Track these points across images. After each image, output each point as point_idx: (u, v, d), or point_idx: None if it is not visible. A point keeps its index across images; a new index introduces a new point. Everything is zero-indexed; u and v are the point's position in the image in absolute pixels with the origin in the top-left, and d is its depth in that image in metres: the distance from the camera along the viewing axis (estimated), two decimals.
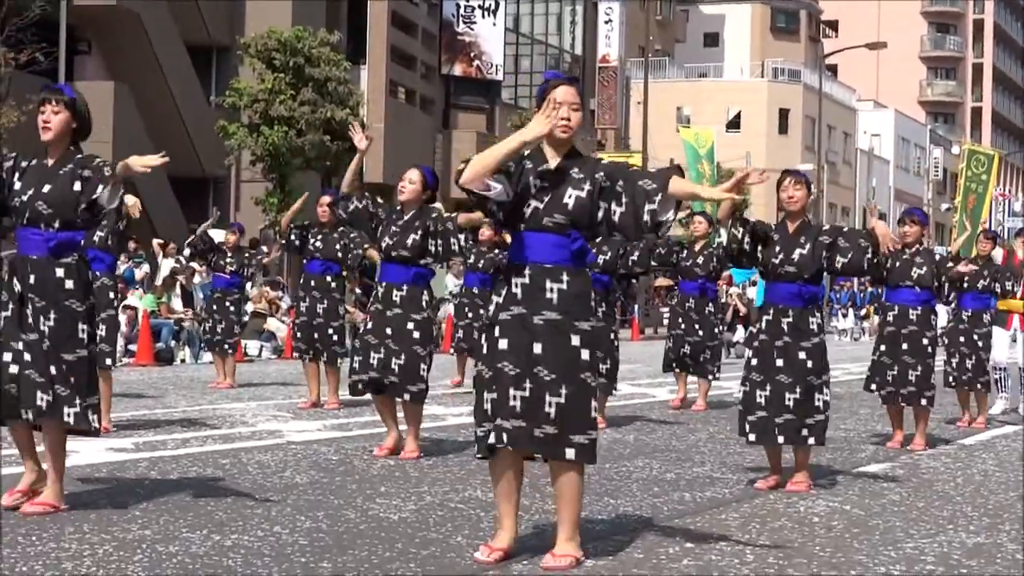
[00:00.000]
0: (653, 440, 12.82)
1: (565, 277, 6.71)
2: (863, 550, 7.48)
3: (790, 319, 9.64)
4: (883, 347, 12.74)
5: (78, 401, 7.86)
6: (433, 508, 8.45)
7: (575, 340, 6.68)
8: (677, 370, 16.50)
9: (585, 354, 6.69)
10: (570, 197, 6.70)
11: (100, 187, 7.89)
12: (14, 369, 7.78)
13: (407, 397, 10.81)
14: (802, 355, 9.60)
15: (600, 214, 6.73)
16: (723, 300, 30.48)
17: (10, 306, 7.90)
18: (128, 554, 6.83)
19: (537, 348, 6.66)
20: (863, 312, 54.32)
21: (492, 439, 6.73)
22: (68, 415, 7.87)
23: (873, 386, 12.87)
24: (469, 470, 10.20)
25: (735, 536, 7.77)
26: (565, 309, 6.68)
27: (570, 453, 6.63)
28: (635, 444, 12.44)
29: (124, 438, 11.88)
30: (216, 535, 7.37)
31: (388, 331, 10.82)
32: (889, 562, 7.18)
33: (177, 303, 27.21)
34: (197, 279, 27.60)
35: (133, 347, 24.28)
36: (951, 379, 15.23)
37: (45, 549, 6.89)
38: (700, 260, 16.12)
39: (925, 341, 12.53)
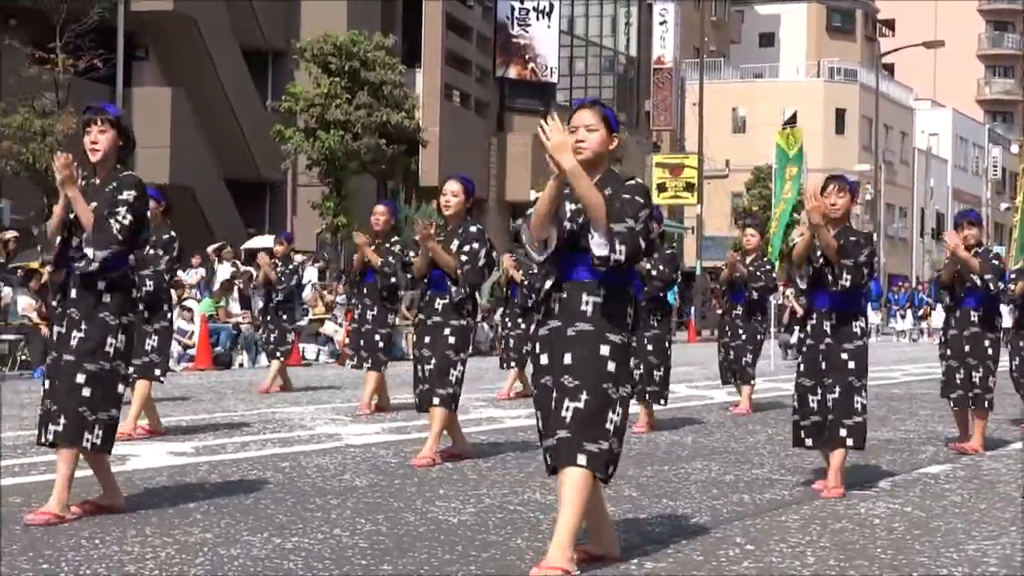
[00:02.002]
0: (711, 442, 12.79)
1: (602, 291, 6.69)
2: (924, 552, 7.44)
3: (833, 322, 9.62)
4: (948, 351, 12.67)
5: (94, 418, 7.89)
6: (492, 511, 8.46)
7: (604, 350, 6.65)
8: (732, 381, 16.48)
9: (611, 366, 6.65)
10: None
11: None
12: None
13: (436, 401, 10.75)
14: (844, 356, 9.57)
15: (640, 239, 6.67)
16: (779, 302, 30.39)
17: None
18: (190, 557, 6.87)
19: (567, 359, 6.66)
20: (920, 313, 54.01)
21: (548, 460, 6.77)
22: (87, 440, 7.91)
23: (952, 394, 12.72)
24: (528, 472, 10.20)
25: (795, 538, 7.74)
26: (598, 321, 6.66)
27: (581, 459, 6.55)
28: (693, 446, 12.41)
29: (184, 442, 11.95)
30: (277, 538, 7.40)
31: (427, 339, 10.83)
32: (951, 564, 7.13)
33: (235, 307, 27.35)
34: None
35: (192, 351, 24.42)
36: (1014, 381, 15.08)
37: (108, 552, 6.94)
38: (751, 269, 16.11)
39: (987, 343, 12.45)
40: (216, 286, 27.85)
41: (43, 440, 8.02)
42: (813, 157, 67.12)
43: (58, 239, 8.09)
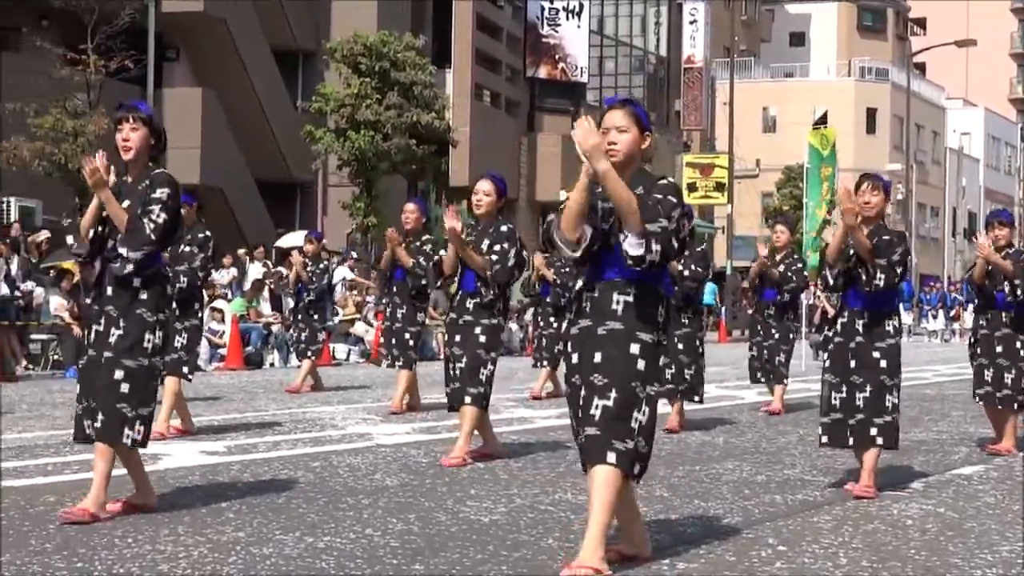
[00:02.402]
0: (742, 443, 12.77)
1: (632, 290, 6.69)
2: (958, 553, 7.42)
3: (865, 321, 9.59)
4: (978, 350, 12.63)
5: (134, 414, 7.92)
6: (523, 511, 8.46)
7: (634, 349, 6.65)
8: (762, 380, 16.43)
9: (641, 364, 6.65)
10: None
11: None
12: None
13: (467, 400, 10.75)
14: (876, 355, 9.54)
15: (674, 239, 6.66)
16: (811, 302, 30.31)
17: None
18: (223, 556, 6.89)
19: (597, 357, 6.67)
20: (952, 313, 53.83)
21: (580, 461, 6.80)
22: (127, 437, 7.94)
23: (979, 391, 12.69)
24: (559, 472, 10.20)
25: (828, 539, 7.73)
26: (628, 319, 6.66)
27: (611, 457, 6.56)
28: (724, 447, 12.39)
29: (216, 441, 11.98)
30: (309, 537, 7.42)
31: (457, 338, 10.84)
32: (985, 565, 7.11)
33: (266, 307, 27.41)
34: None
35: (223, 351, 24.49)
36: None
37: (141, 551, 6.97)
38: (781, 268, 16.04)
39: (1019, 344, 12.40)
40: (247, 286, 27.92)
41: (79, 436, 8.05)
42: (844, 157, 66.87)
43: (90, 233, 8.10)
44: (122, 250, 7.92)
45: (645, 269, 6.57)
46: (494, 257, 10.68)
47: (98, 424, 7.88)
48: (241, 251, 32.16)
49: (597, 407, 6.58)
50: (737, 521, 8.26)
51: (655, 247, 6.50)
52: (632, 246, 6.52)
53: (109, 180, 8.02)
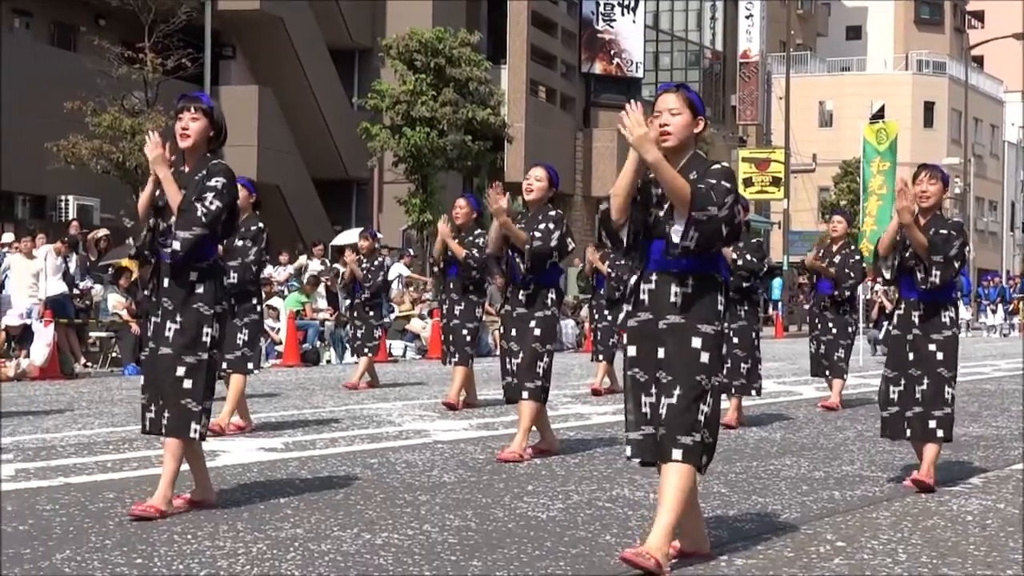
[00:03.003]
0: (800, 438, 12.72)
1: (690, 281, 6.68)
2: (1018, 549, 7.35)
3: (921, 312, 9.54)
4: None
5: (198, 408, 7.96)
6: (581, 507, 8.45)
7: (696, 342, 6.64)
8: (813, 373, 16.37)
9: (704, 357, 6.64)
10: None
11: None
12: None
13: (524, 395, 10.75)
14: (932, 347, 9.48)
15: (724, 226, 6.63)
16: (868, 296, 30.16)
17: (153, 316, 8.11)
18: (281, 552, 6.91)
19: (661, 352, 6.66)
20: (1011, 307, 53.46)
21: (627, 451, 6.81)
22: (194, 431, 7.99)
23: None
24: (616, 469, 10.18)
25: (886, 535, 7.68)
26: (688, 312, 6.65)
27: (676, 453, 6.56)
28: (782, 442, 12.34)
29: (274, 438, 12.03)
30: (367, 533, 7.43)
31: (513, 332, 10.84)
32: None
33: (322, 304, 27.49)
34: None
35: (279, 348, 24.59)
36: None
37: (200, 547, 7.00)
38: (837, 260, 15.93)
39: None
40: (305, 281, 28.01)
41: (147, 429, 8.10)
42: (901, 151, 66.32)
43: (147, 226, 8.14)
44: (175, 232, 7.95)
45: (698, 258, 6.57)
46: (536, 234, 10.69)
47: (165, 420, 7.93)
48: (299, 248, 32.29)
49: (664, 405, 6.58)
50: (795, 517, 8.22)
51: (692, 234, 6.50)
52: (675, 233, 6.53)
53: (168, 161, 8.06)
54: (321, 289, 27.87)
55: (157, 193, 8.12)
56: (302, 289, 26.99)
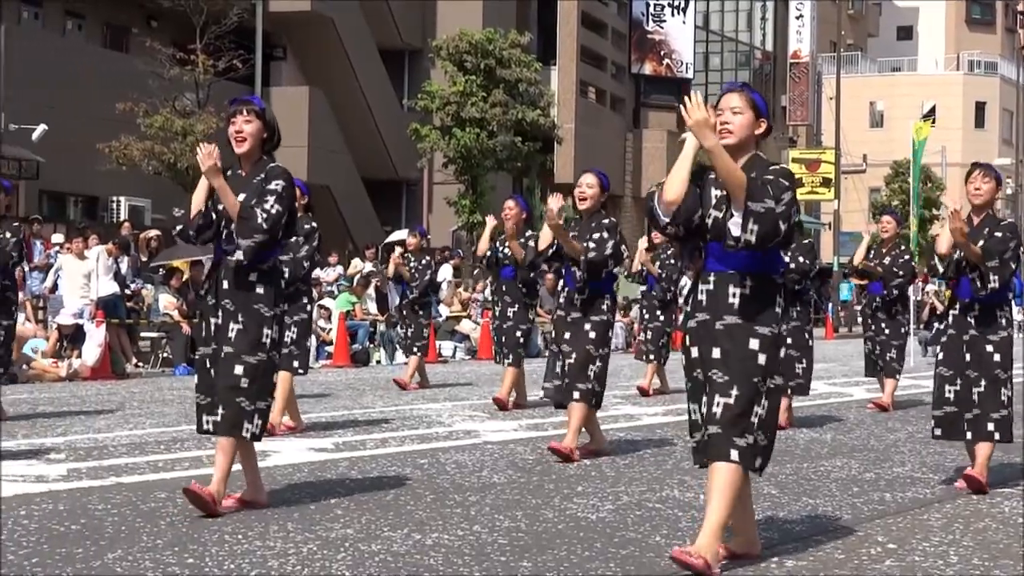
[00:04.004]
0: (851, 439, 12.66)
1: (748, 282, 6.66)
2: None
3: (976, 313, 9.49)
4: None
5: (253, 408, 7.99)
6: (631, 508, 8.44)
7: (753, 344, 6.62)
8: (867, 372, 16.29)
9: (762, 358, 6.62)
10: None
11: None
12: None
13: (576, 396, 10.72)
14: (989, 348, 9.43)
15: (781, 222, 6.61)
16: (919, 298, 30.00)
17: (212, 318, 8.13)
18: (331, 552, 6.93)
19: (716, 352, 6.65)
20: None
21: (694, 460, 6.84)
22: (246, 431, 8.02)
23: None
24: (665, 470, 10.17)
25: (938, 537, 7.64)
26: (746, 313, 6.63)
27: (733, 454, 6.55)
28: (833, 443, 12.29)
29: (324, 438, 12.06)
30: (417, 534, 7.44)
31: (567, 335, 10.83)
32: None
33: (372, 306, 27.55)
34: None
35: (330, 348, 24.66)
36: None
37: (251, 547, 7.02)
38: (887, 260, 15.85)
39: None
40: (355, 281, 28.08)
41: (204, 428, 8.14)
42: (952, 151, 66.31)
43: (200, 211, 8.16)
44: (237, 241, 7.99)
45: (757, 258, 6.56)
46: (591, 244, 10.68)
47: (219, 418, 7.97)
48: (349, 248, 32.38)
49: (718, 404, 6.57)
50: (846, 519, 8.19)
51: (752, 227, 6.47)
52: (735, 226, 6.52)
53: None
54: (371, 291, 27.93)
55: (221, 208, 8.14)
56: (352, 290, 27.06)
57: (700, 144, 6.53)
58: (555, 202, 10.79)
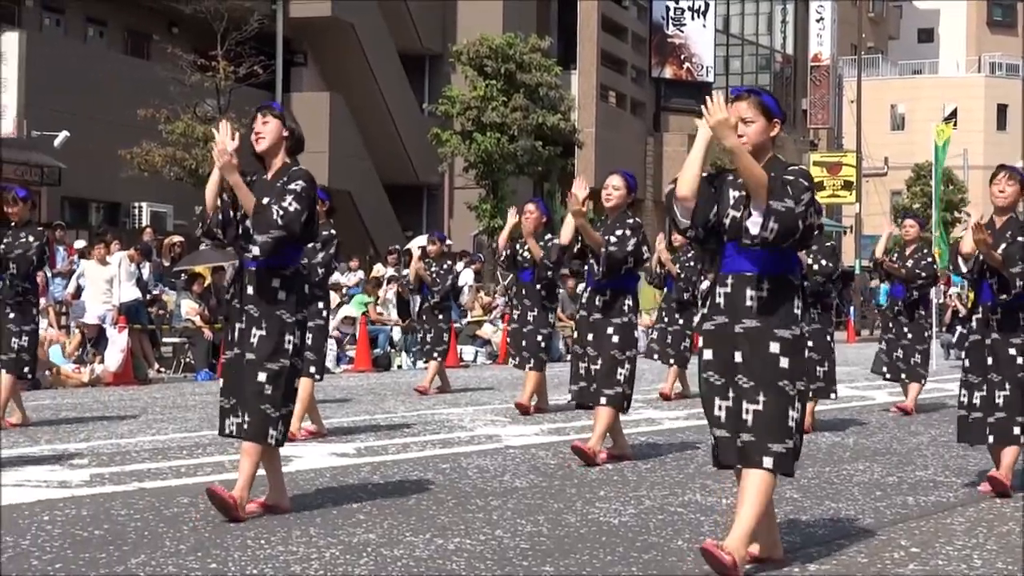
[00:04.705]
0: (873, 443, 12.64)
1: (766, 285, 6.66)
2: None
3: (998, 316, 9.46)
4: None
5: (277, 414, 8.01)
6: (652, 512, 8.44)
7: (774, 347, 6.62)
8: (888, 376, 16.21)
9: (784, 362, 6.62)
10: None
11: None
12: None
13: (603, 401, 10.72)
14: (1012, 351, 9.40)
15: (800, 222, 6.61)
16: (941, 301, 29.92)
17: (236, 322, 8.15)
18: (354, 557, 6.94)
19: (737, 357, 6.65)
20: None
21: (712, 462, 6.86)
22: (271, 437, 8.04)
23: None
24: (687, 474, 10.16)
25: (961, 541, 7.63)
26: (765, 317, 6.64)
27: (768, 462, 6.56)
28: (855, 447, 12.27)
29: (346, 443, 12.07)
30: (439, 539, 7.45)
31: (589, 337, 10.82)
32: None
33: (393, 311, 27.53)
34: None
35: (351, 353, 24.68)
36: None
37: (274, 552, 7.04)
38: (909, 263, 15.80)
39: None
40: (368, 281, 28.09)
41: (226, 432, 8.17)
42: (974, 154, 66.16)
43: (217, 206, 8.18)
44: (253, 237, 8.02)
45: (773, 258, 6.56)
46: (612, 239, 10.68)
47: (244, 424, 7.99)
48: (370, 253, 32.42)
49: (748, 411, 6.58)
50: (869, 523, 8.18)
51: (772, 225, 6.48)
52: (753, 224, 6.52)
53: (230, 146, 8.06)
54: (391, 295, 27.94)
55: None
56: (366, 290, 27.07)
57: (720, 143, 6.54)
58: (580, 189, 10.79)
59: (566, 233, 11.07)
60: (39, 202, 31.28)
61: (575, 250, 11.00)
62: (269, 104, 8.47)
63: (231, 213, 8.15)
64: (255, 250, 8.01)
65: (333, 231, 12.23)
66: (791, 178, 6.59)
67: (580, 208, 10.68)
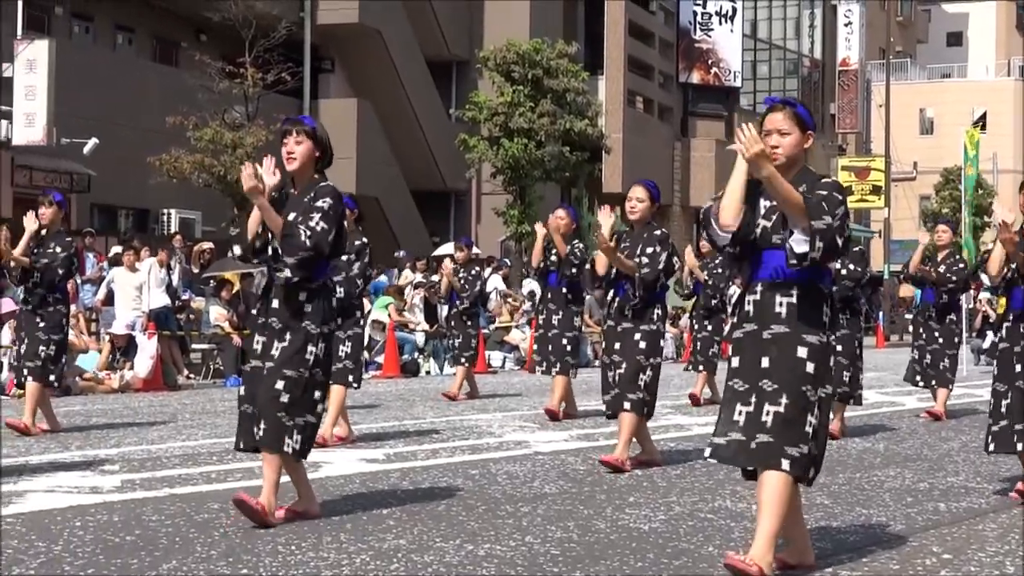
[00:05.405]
0: (904, 449, 12.60)
1: (795, 292, 6.66)
2: None
3: None
4: None
5: (294, 423, 8.01)
6: (683, 518, 8.42)
7: (801, 352, 6.61)
8: (921, 383, 16.16)
9: (810, 367, 6.60)
10: None
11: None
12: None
13: (626, 406, 10.70)
14: None
15: (838, 236, 6.60)
16: (972, 306, 29.83)
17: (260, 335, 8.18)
18: (384, 563, 6.94)
19: (764, 362, 6.64)
20: None
21: (707, 452, 6.79)
22: (287, 446, 8.04)
23: None
24: (717, 480, 10.14)
25: (994, 547, 7.59)
26: (794, 322, 6.63)
27: (785, 464, 6.53)
28: (885, 453, 12.24)
29: (375, 449, 12.08)
30: (469, 544, 7.45)
31: (616, 345, 10.80)
32: None
33: (419, 314, 27.55)
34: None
35: (380, 359, 24.70)
36: None
37: (304, 558, 7.05)
38: (941, 268, 15.75)
39: None
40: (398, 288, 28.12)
41: (240, 445, 8.18)
42: (1004, 158, 65.97)
43: (256, 236, 8.20)
44: (282, 259, 8.03)
45: (805, 267, 6.54)
46: (644, 259, 10.67)
47: (261, 433, 7.99)
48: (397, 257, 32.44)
49: (768, 413, 6.55)
50: (900, 529, 8.15)
51: (819, 244, 6.48)
52: (797, 243, 6.51)
53: (268, 186, 8.10)
54: (418, 299, 27.98)
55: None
56: (388, 291, 27.10)
57: (755, 173, 6.53)
58: (605, 221, 10.74)
59: (600, 266, 11.04)
60: (68, 209, 31.34)
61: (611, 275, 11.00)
62: (300, 120, 8.40)
63: (268, 239, 8.17)
64: (286, 272, 8.02)
65: (365, 239, 12.28)
66: (824, 193, 6.59)
67: (609, 245, 10.65)
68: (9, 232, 13.64)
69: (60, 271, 13.21)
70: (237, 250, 8.55)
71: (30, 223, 13.22)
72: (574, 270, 14.93)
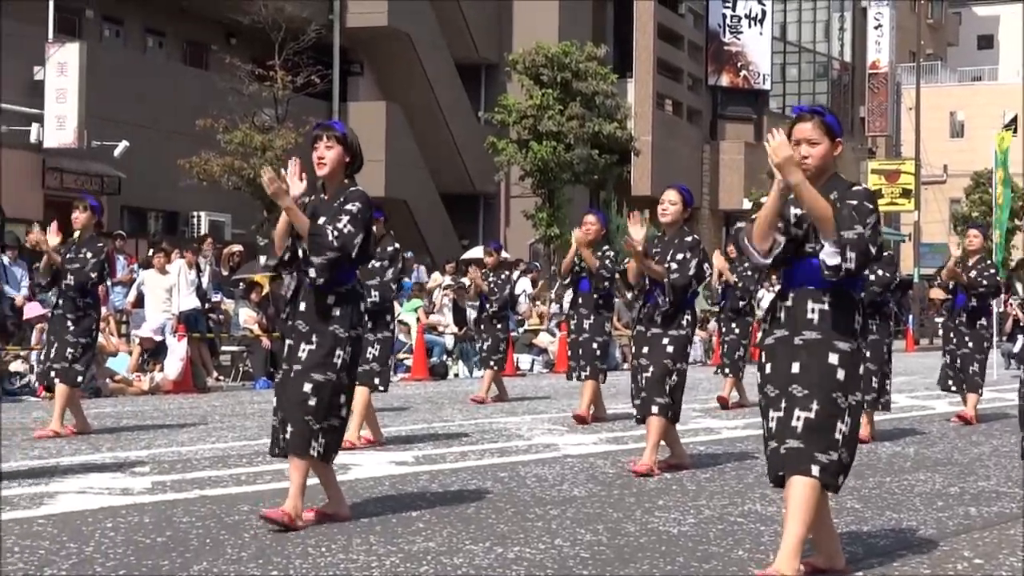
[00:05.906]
0: (934, 453, 12.56)
1: (827, 299, 6.64)
2: None
3: None
4: None
5: (318, 427, 8.02)
6: (712, 522, 8.41)
7: (832, 359, 6.59)
8: (953, 388, 16.10)
9: (841, 374, 6.58)
10: None
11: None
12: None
13: (654, 410, 10.68)
14: None
15: (870, 246, 6.58)
16: (1002, 310, 29.72)
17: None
18: (414, 566, 6.95)
19: (795, 367, 6.62)
20: None
21: (770, 469, 6.77)
22: (313, 449, 8.06)
23: None
24: (747, 484, 10.13)
25: None
26: (826, 329, 6.61)
27: (815, 470, 6.51)
28: (916, 457, 12.20)
29: (405, 452, 12.09)
30: (499, 547, 7.45)
31: (645, 350, 10.79)
32: None
33: (449, 315, 27.57)
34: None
35: (408, 362, 24.73)
36: None
37: (334, 560, 7.06)
38: (972, 273, 15.70)
39: None
40: (425, 292, 28.15)
41: (275, 451, 8.20)
42: None
43: (285, 245, 8.22)
44: (309, 259, 8.05)
45: (841, 278, 6.52)
46: (674, 265, 10.65)
47: (288, 436, 8.01)
48: (427, 262, 32.47)
49: (799, 419, 6.54)
50: (931, 533, 8.12)
51: (850, 255, 6.45)
52: (829, 255, 6.48)
53: (296, 189, 8.11)
54: (447, 300, 28.00)
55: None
56: (415, 294, 27.13)
57: (785, 182, 6.50)
58: (636, 231, 10.72)
59: (632, 273, 11.03)
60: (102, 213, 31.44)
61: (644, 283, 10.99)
62: (331, 125, 8.40)
63: (297, 248, 8.18)
64: (312, 272, 8.03)
65: (397, 245, 12.34)
66: (855, 202, 6.55)
67: (639, 251, 10.64)
68: (42, 232, 13.72)
69: (92, 275, 13.26)
70: (265, 260, 8.60)
71: (52, 237, 13.32)
72: (606, 284, 14.94)
